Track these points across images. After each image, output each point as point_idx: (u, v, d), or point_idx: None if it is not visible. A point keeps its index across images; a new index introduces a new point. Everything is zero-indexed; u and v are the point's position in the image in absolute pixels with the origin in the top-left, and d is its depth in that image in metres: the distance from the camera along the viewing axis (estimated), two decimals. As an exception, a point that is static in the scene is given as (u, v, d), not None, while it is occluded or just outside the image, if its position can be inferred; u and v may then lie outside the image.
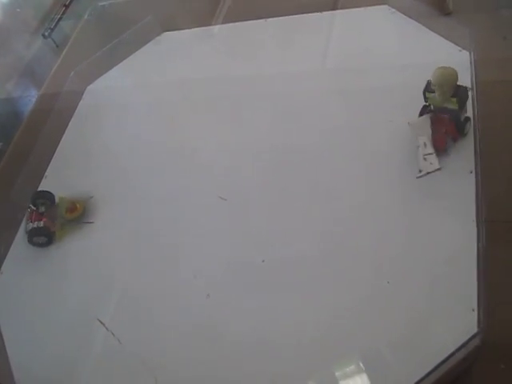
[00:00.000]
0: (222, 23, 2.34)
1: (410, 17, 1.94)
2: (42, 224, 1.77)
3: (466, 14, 2.32)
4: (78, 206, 1.80)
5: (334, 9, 2.16)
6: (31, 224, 1.78)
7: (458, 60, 1.73)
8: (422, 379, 1.19)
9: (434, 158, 1.46)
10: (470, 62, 1.70)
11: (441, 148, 1.49)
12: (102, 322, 1.51)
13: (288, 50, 2.04)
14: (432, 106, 1.52)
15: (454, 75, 1.44)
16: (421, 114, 1.54)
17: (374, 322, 1.32)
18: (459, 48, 1.78)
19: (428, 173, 1.45)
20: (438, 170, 1.45)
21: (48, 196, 1.85)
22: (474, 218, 1.38)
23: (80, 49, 2.57)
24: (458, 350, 1.21)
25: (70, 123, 2.14)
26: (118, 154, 1.96)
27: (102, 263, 1.67)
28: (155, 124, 2.02)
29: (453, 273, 1.33)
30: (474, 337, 1.22)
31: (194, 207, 1.70)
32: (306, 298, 1.40)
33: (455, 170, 1.48)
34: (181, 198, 1.74)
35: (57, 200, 1.85)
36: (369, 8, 2.06)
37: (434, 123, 1.51)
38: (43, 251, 1.77)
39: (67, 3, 2.74)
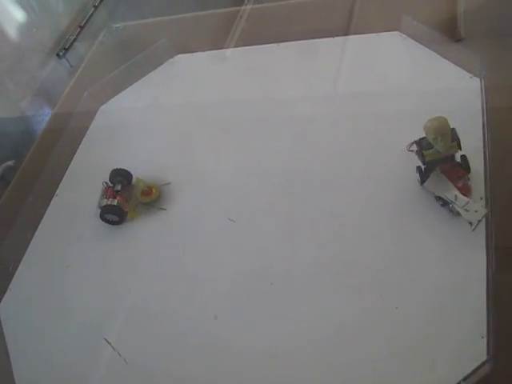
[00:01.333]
0: (235, 46, 2.36)
1: (421, 43, 1.96)
2: (115, 202, 1.78)
3: (477, 41, 2.33)
4: (154, 190, 1.81)
5: (346, 34, 2.18)
6: (105, 200, 1.80)
7: (468, 86, 1.74)
8: (431, 407, 1.18)
9: (474, 205, 1.43)
10: (481, 89, 1.71)
11: (468, 193, 1.47)
12: (108, 342, 1.51)
13: (300, 74, 2.06)
14: (424, 165, 1.51)
15: (447, 121, 1.43)
16: (421, 176, 1.53)
17: (381, 347, 1.31)
18: (470, 75, 1.78)
19: (479, 221, 1.41)
20: (487, 212, 1.42)
21: (126, 175, 1.87)
22: (484, 244, 1.38)
23: (94, 69, 2.60)
24: (467, 377, 1.19)
25: (82, 143, 2.16)
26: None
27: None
28: (167, 146, 2.03)
29: (462, 299, 1.32)
30: (483, 364, 1.20)
31: (203, 229, 1.71)
32: (314, 321, 1.40)
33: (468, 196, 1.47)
34: (190, 219, 1.75)
35: (134, 181, 1.87)
36: (381, 34, 2.08)
37: (446, 175, 1.50)
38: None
39: (82, 24, 2.79)
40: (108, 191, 1.83)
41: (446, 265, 1.39)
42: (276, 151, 1.82)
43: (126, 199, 1.82)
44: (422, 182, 1.52)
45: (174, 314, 1.54)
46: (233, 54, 2.30)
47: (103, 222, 1.79)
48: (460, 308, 1.31)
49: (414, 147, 1.53)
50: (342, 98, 1.91)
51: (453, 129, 1.44)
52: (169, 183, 1.85)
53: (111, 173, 1.86)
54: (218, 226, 1.69)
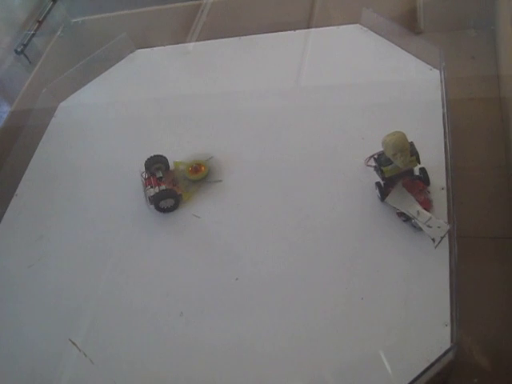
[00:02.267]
0: (197, 40, 2.34)
1: (382, 35, 1.97)
2: (164, 187, 1.70)
3: (437, 34, 2.38)
4: (203, 166, 1.76)
5: (308, 27, 2.18)
6: (152, 189, 1.70)
7: (428, 78, 1.76)
8: (397, 395, 1.20)
9: (436, 220, 1.42)
10: (441, 81, 1.72)
11: (430, 207, 1.46)
12: (74, 342, 1.49)
13: (262, 68, 2.05)
14: (383, 180, 1.50)
15: (405, 136, 1.41)
16: (381, 192, 1.51)
17: (347, 338, 1.32)
18: (430, 67, 1.80)
19: (442, 237, 1.40)
20: (450, 228, 1.40)
21: (162, 160, 1.78)
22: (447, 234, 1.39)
23: (52, 65, 2.55)
24: (432, 365, 1.21)
25: (42, 141, 2.11)
26: (89, 172, 1.93)
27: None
28: (128, 141, 2.00)
29: (426, 289, 1.34)
30: (447, 352, 1.22)
31: (166, 226, 1.69)
32: (280, 316, 1.40)
33: (430, 186, 1.49)
34: (153, 215, 1.72)
35: (172, 166, 1.80)
36: (341, 27, 2.09)
37: (408, 189, 1.49)
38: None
39: (41, 19, 2.72)
40: (150, 181, 1.73)
41: (410, 255, 1.41)
42: (239, 145, 1.81)
43: (173, 184, 1.74)
44: (383, 198, 1.51)
45: (139, 312, 1.52)
46: (194, 49, 2.29)
47: (65, 221, 1.75)
48: (424, 297, 1.33)
49: (372, 162, 1.52)
50: (305, 91, 1.91)
51: (411, 143, 1.43)
52: (212, 157, 1.78)
53: (146, 162, 1.76)
54: (182, 221, 1.68)
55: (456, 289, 1.29)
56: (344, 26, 2.08)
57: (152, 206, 1.70)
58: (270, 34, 2.17)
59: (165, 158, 1.78)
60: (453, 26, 2.40)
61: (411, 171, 1.49)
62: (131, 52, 2.34)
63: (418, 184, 1.49)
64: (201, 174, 1.74)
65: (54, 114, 2.20)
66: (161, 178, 1.74)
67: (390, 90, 1.76)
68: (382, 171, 1.47)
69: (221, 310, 1.46)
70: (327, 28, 2.12)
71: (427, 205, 1.46)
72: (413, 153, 1.43)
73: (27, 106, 2.26)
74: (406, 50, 1.88)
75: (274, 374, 1.32)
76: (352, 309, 1.36)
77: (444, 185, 1.49)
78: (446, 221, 1.41)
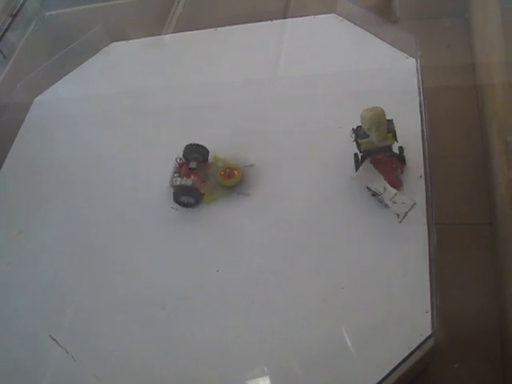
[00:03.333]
0: (173, 32, 2.32)
1: (358, 25, 1.97)
2: (190, 182, 1.59)
3: (412, 22, 2.39)
4: (236, 172, 1.63)
5: (283, 17, 2.17)
6: (179, 179, 1.60)
7: (404, 67, 1.77)
8: (380, 382, 1.20)
9: (401, 197, 1.44)
10: (417, 69, 1.73)
11: (398, 185, 1.47)
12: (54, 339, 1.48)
13: (239, 58, 2.04)
14: (361, 153, 1.51)
15: (383, 112, 1.41)
16: (356, 164, 1.52)
17: (329, 327, 1.32)
18: (406, 55, 1.81)
19: (406, 213, 1.42)
20: (415, 204, 1.42)
21: (203, 151, 1.68)
22: (425, 222, 1.40)
23: (27, 60, 2.51)
24: (413, 352, 1.22)
25: (18, 136, 2.08)
26: (67, 167, 1.91)
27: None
28: (105, 135, 1.98)
29: (406, 277, 1.34)
30: (428, 338, 1.23)
31: (145, 218, 1.68)
32: (261, 307, 1.40)
33: (405, 175, 1.50)
34: (131, 208, 1.71)
35: (211, 158, 1.69)
36: (317, 17, 2.08)
37: (378, 166, 1.49)
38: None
39: (14, 13, 2.68)
40: (182, 168, 1.64)
41: (389, 243, 1.41)
42: (217, 136, 1.79)
43: (202, 179, 1.64)
44: (357, 169, 1.52)
45: (121, 307, 1.51)
46: (170, 40, 2.27)
47: (43, 217, 1.73)
48: (404, 285, 1.33)
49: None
50: (282, 82, 1.91)
51: (390, 120, 1.43)
52: (252, 165, 1.67)
53: (185, 148, 1.67)
54: (160, 214, 1.66)
55: (435, 276, 1.31)
56: (320, 16, 2.07)
57: (171, 192, 1.63)
58: (246, 25, 2.15)
59: (205, 148, 1.69)
60: (428, 15, 2.41)
61: (389, 148, 1.48)
62: (106, 45, 2.31)
63: (392, 161, 1.49)
64: (232, 181, 1.63)
65: (30, 108, 2.17)
66: (193, 169, 1.65)
67: (366, 79, 1.76)
68: (357, 143, 1.47)
69: (203, 303, 1.45)
70: (303, 18, 2.11)
71: (396, 183, 1.47)
72: (390, 130, 1.43)
73: (2, 101, 2.23)
74: (382, 39, 1.88)
75: (254, 364, 1.33)
76: (333, 298, 1.36)
77: (422, 173, 1.49)
78: (415, 201, 1.43)
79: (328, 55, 1.93)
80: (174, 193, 1.62)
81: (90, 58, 2.27)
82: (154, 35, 2.31)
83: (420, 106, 1.62)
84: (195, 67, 2.08)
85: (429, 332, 1.24)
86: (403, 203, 1.42)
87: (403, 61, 1.80)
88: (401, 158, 1.50)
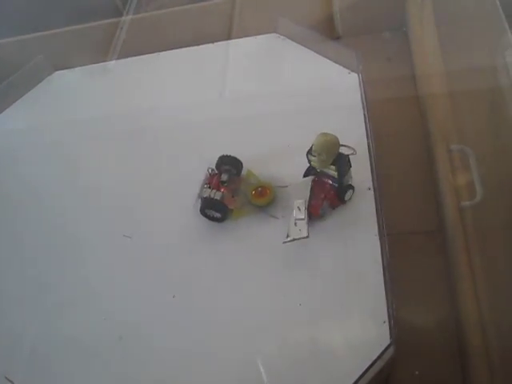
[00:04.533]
0: (118, 58, 2.31)
1: (300, 43, 1.99)
2: (219, 196, 1.52)
3: (354, 38, 2.45)
4: (269, 191, 1.54)
5: (227, 39, 2.19)
6: (208, 190, 1.54)
7: (347, 82, 1.79)
8: (342, 396, 1.20)
9: (303, 225, 1.40)
10: (359, 83, 1.76)
11: (314, 214, 1.45)
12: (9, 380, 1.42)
13: (183, 82, 2.04)
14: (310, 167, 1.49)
15: (335, 144, 1.37)
16: (305, 175, 1.50)
17: (287, 344, 1.32)
18: (348, 71, 1.84)
19: (294, 239, 1.39)
20: (305, 238, 1.39)
21: (236, 164, 1.60)
22: (377, 233, 1.42)
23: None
24: (374, 363, 1.23)
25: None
26: (14, 200, 1.88)
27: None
28: (52, 166, 1.95)
29: (363, 289, 1.36)
30: (387, 348, 1.24)
31: (98, 248, 1.65)
32: (218, 327, 1.39)
33: (356, 187, 1.51)
34: (85, 239, 1.68)
35: (244, 172, 1.62)
36: (259, 37, 2.10)
37: (315, 187, 1.47)
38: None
39: (-50, 46, 2.62)
40: (213, 180, 1.57)
41: (342, 257, 1.42)
42: (165, 161, 1.79)
43: (232, 194, 1.56)
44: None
45: (77, 341, 1.47)
46: (115, 67, 2.25)
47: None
48: (361, 298, 1.34)
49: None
50: (227, 103, 1.91)
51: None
52: (286, 186, 1.58)
53: (218, 159, 1.60)
54: (113, 243, 1.64)
55: (390, 286, 1.32)
56: (261, 36, 2.09)
57: (198, 205, 1.56)
58: (189, 48, 2.16)
59: (239, 161, 1.62)
60: (368, 30, 2.47)
61: (335, 180, 1.45)
62: (49, 74, 2.28)
63: (327, 190, 1.46)
64: (262, 201, 1.55)
65: (-28, 143, 2.11)
66: (224, 182, 1.57)
67: (311, 96, 1.78)
68: (307, 157, 1.45)
69: (159, 329, 1.43)
70: (245, 39, 2.13)
71: (316, 210, 1.45)
72: (335, 163, 1.40)
73: None
74: (324, 56, 1.91)
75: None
76: (290, 315, 1.36)
77: (370, 185, 1.51)
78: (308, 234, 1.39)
79: (271, 74, 1.94)
80: (200, 205, 1.55)
81: (33, 89, 2.23)
82: (98, 62, 2.29)
83: (364, 120, 1.64)
84: (140, 92, 2.07)
85: (387, 342, 1.24)
86: (299, 230, 1.40)
87: (346, 76, 1.83)
88: (339, 194, 1.47)
